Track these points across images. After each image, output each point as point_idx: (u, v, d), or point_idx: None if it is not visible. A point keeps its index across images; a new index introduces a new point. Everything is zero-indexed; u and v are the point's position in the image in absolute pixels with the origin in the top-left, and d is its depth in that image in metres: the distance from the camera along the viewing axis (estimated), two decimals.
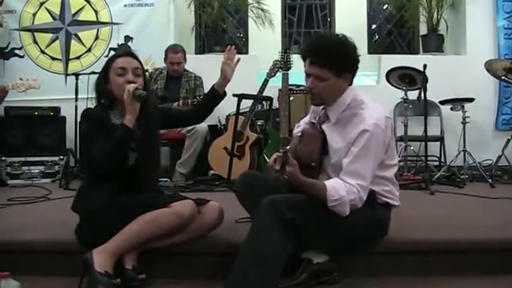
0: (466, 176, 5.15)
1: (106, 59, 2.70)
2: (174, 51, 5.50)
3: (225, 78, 2.83)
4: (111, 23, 6.33)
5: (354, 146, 2.33)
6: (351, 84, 2.47)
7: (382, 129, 2.35)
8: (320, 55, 2.39)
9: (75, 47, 6.34)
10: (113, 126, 2.53)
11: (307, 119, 2.77)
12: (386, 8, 7.54)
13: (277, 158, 2.22)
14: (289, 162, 2.18)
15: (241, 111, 4.91)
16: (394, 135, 5.58)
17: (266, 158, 4.85)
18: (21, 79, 3.77)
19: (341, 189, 2.27)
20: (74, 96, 5.37)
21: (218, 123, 5.67)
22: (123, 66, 2.58)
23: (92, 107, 2.71)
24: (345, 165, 2.32)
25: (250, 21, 6.78)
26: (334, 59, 2.37)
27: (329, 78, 2.38)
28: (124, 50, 2.59)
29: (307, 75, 2.46)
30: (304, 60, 2.49)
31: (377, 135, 2.33)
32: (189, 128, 5.18)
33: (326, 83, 2.39)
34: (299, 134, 2.72)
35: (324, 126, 2.51)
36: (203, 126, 5.24)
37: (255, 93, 5.10)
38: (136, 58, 2.66)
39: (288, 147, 2.18)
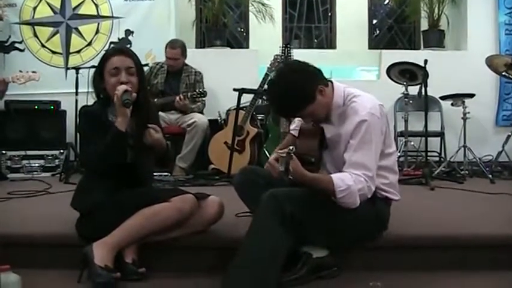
0: (466, 172, 5.16)
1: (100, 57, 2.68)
2: (172, 47, 5.49)
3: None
4: (112, 17, 6.32)
5: (352, 139, 2.32)
6: (327, 85, 2.42)
7: (377, 117, 2.35)
8: (284, 112, 2.52)
9: (76, 41, 6.34)
10: (110, 123, 2.52)
11: None
12: (387, 3, 7.54)
13: (279, 158, 2.18)
14: (292, 161, 2.16)
15: (241, 105, 4.91)
16: (394, 130, 5.67)
17: (266, 152, 4.86)
18: (21, 71, 3.76)
19: (347, 179, 2.25)
20: (74, 90, 5.37)
21: (218, 118, 5.68)
22: (116, 66, 2.53)
23: (91, 102, 2.71)
24: (347, 158, 2.32)
25: (251, 16, 6.77)
26: (294, 104, 2.36)
27: (310, 109, 2.38)
28: (118, 47, 2.53)
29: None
30: None
31: (374, 124, 2.32)
32: (189, 122, 5.19)
33: (314, 113, 2.40)
34: (295, 130, 2.71)
35: (322, 124, 2.51)
36: (203, 120, 5.25)
37: (256, 87, 5.09)
38: (131, 55, 2.60)
39: (291, 147, 2.15)
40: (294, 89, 2.33)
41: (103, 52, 5.98)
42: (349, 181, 2.25)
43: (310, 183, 2.29)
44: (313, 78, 2.40)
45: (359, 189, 2.26)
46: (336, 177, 2.27)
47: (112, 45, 6.18)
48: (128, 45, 6.15)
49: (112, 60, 2.55)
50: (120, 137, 2.46)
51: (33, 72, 3.94)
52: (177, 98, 5.21)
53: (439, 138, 5.80)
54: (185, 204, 2.44)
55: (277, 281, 2.21)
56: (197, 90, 5.31)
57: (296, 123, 2.77)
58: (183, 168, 5.14)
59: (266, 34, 6.82)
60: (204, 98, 5.43)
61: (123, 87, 2.47)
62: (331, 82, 2.46)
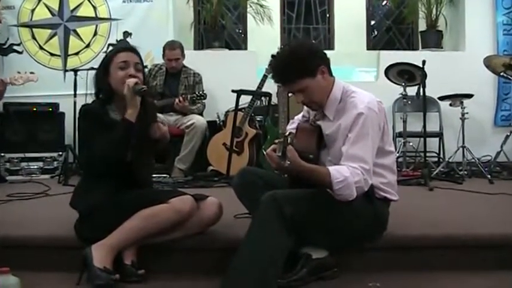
0: (465, 172, 5.16)
1: (105, 54, 2.69)
2: (171, 48, 5.49)
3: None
4: (110, 19, 6.33)
5: (350, 132, 2.34)
6: (331, 74, 2.47)
7: (375, 112, 2.36)
8: (283, 77, 2.45)
9: (74, 43, 6.34)
10: (111, 122, 2.53)
11: (300, 116, 2.78)
12: (386, 4, 7.55)
13: (277, 145, 2.18)
14: (288, 149, 2.16)
15: (240, 107, 4.91)
16: (393, 131, 5.67)
17: (265, 153, 4.85)
18: (19, 72, 3.76)
19: (344, 171, 2.26)
20: (73, 92, 5.36)
21: (217, 119, 5.68)
22: (126, 60, 2.56)
23: (90, 102, 2.70)
24: (344, 151, 2.33)
25: (249, 17, 6.78)
26: (294, 70, 2.38)
27: (307, 83, 2.39)
28: (125, 45, 2.58)
29: (292, 93, 2.51)
30: None
31: (371, 118, 2.34)
32: (188, 124, 5.18)
33: (308, 89, 2.41)
34: (294, 130, 2.72)
35: (320, 122, 2.53)
36: (202, 122, 5.25)
37: (254, 89, 5.10)
38: (137, 53, 2.65)
39: (288, 133, 2.17)
40: (298, 56, 2.38)
41: (101, 54, 6.11)
42: (346, 173, 2.26)
43: (308, 174, 2.30)
44: (321, 57, 2.44)
45: (356, 181, 2.26)
46: (333, 168, 2.29)
47: (110, 47, 6.19)
48: None
49: (120, 55, 2.58)
50: (131, 128, 2.46)
51: (31, 73, 3.93)
52: (177, 100, 5.21)
53: (437, 139, 5.81)
54: (184, 206, 2.44)
55: (277, 282, 2.21)
56: (197, 93, 5.32)
57: (296, 123, 2.78)
58: (182, 169, 5.14)
59: (264, 35, 6.82)
60: (204, 100, 5.44)
61: (133, 79, 2.50)
62: (334, 77, 2.49)
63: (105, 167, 2.46)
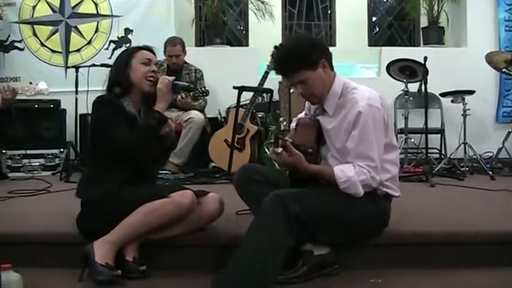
0: (467, 169, 5.16)
1: (106, 51, 2.72)
2: (172, 44, 5.49)
3: None
4: (111, 16, 6.31)
5: (354, 130, 2.35)
6: (332, 69, 2.48)
7: (377, 107, 2.37)
8: (284, 67, 2.47)
9: (75, 40, 6.32)
10: (128, 114, 2.56)
11: (303, 114, 2.79)
12: (387, 0, 7.53)
13: (274, 142, 2.23)
14: (287, 145, 2.17)
15: (241, 103, 4.91)
16: (395, 127, 5.67)
17: (266, 150, 4.85)
18: (31, 83, 3.77)
19: (349, 171, 2.30)
20: (74, 89, 5.34)
21: (218, 116, 5.68)
22: (149, 58, 2.65)
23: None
24: (351, 149, 2.35)
25: (251, 14, 6.77)
26: (296, 61, 2.39)
27: (308, 76, 2.40)
28: (146, 46, 2.69)
29: (292, 85, 2.52)
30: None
31: (374, 114, 2.35)
32: (186, 118, 5.16)
33: (309, 81, 2.42)
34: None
35: (319, 117, 2.53)
36: (199, 116, 5.22)
37: (256, 85, 5.09)
38: (155, 55, 2.74)
39: (281, 119, 2.19)
40: (301, 48, 2.40)
41: (103, 51, 6.11)
42: (350, 172, 2.29)
43: (313, 176, 2.36)
44: (323, 50, 2.46)
45: (361, 180, 2.30)
46: (337, 168, 2.32)
47: (112, 44, 6.21)
48: (128, 44, 6.14)
49: (144, 52, 2.67)
50: (163, 121, 2.56)
51: (44, 86, 3.91)
52: (179, 96, 5.20)
53: (439, 135, 5.80)
54: (184, 200, 2.44)
55: (278, 279, 2.22)
56: (199, 89, 5.32)
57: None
58: (176, 164, 5.06)
59: (266, 32, 6.81)
60: (206, 97, 5.43)
61: (171, 77, 2.62)
62: (335, 72, 2.50)
63: (137, 155, 2.52)
